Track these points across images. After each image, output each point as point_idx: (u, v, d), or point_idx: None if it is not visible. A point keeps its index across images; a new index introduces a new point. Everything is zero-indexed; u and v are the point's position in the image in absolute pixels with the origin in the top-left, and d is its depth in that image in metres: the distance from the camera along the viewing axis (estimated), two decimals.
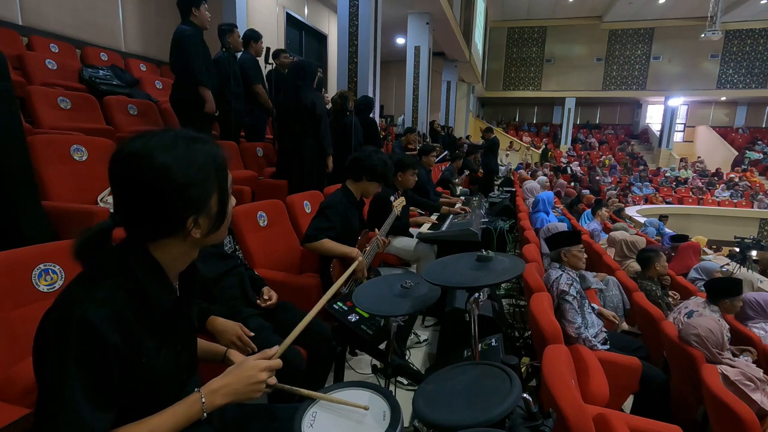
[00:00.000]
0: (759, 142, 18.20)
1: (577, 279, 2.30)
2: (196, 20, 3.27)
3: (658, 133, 19.28)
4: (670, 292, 3.31)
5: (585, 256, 2.40)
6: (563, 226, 3.57)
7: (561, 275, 2.22)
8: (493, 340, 1.94)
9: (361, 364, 2.25)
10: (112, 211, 0.77)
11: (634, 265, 3.69)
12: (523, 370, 2.13)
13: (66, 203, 2.09)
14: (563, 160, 17.38)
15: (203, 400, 0.81)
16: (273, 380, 0.93)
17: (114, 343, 0.70)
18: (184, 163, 0.74)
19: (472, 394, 1.03)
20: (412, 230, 3.16)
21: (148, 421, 0.76)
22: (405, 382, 2.04)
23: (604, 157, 18.75)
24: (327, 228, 2.07)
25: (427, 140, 9.89)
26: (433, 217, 3.55)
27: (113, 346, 0.70)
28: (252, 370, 0.86)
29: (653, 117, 20.45)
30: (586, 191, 11.07)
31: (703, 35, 13.34)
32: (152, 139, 0.74)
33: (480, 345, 1.93)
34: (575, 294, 2.12)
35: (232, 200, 0.88)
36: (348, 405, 0.93)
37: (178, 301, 0.84)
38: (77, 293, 0.71)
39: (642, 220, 10.17)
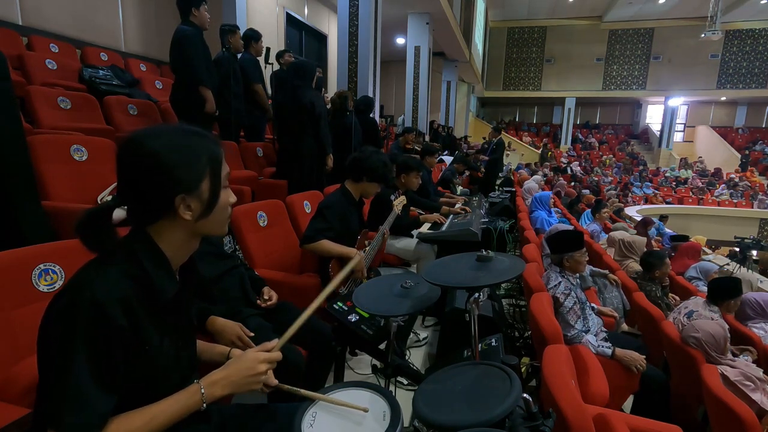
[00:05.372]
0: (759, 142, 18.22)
1: (577, 284, 2.28)
2: (196, 20, 3.27)
3: (658, 133, 19.27)
4: (669, 294, 3.31)
5: (587, 258, 2.36)
6: (566, 228, 3.55)
7: (560, 282, 2.17)
8: (493, 340, 1.93)
9: (361, 364, 2.24)
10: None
11: (634, 265, 3.68)
12: (523, 370, 2.12)
13: (66, 203, 2.10)
14: (563, 160, 17.37)
15: (203, 390, 0.82)
16: (274, 381, 0.93)
17: (121, 324, 0.72)
18: (175, 147, 0.79)
19: (472, 394, 1.03)
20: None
21: (148, 409, 0.77)
22: (405, 382, 2.03)
23: (604, 157, 18.76)
24: (325, 229, 2.06)
25: (427, 139, 9.88)
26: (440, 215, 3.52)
27: (120, 328, 0.72)
28: (251, 362, 0.87)
29: (653, 117, 20.43)
30: (586, 191, 11.06)
31: (703, 35, 13.35)
32: (155, 128, 0.81)
33: (480, 345, 1.92)
34: (571, 305, 2.10)
35: (232, 197, 0.88)
36: (347, 407, 0.93)
37: (178, 294, 0.85)
38: (86, 277, 0.74)
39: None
